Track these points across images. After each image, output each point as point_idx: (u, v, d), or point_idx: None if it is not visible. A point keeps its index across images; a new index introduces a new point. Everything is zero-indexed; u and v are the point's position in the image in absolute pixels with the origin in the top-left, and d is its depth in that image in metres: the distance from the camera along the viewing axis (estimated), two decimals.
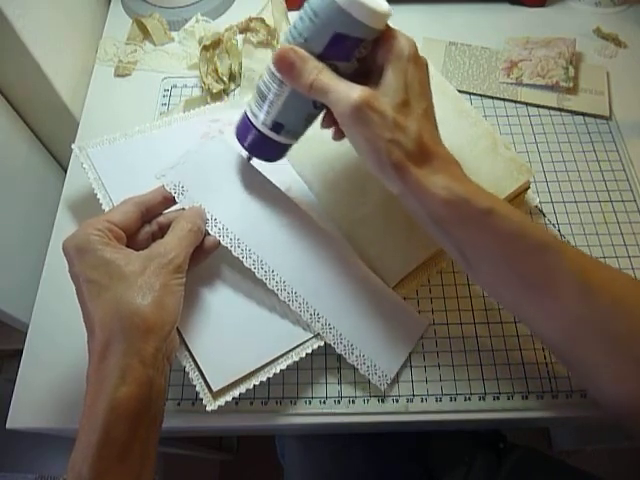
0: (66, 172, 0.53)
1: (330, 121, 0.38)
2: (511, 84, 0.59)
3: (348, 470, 0.58)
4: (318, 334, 0.40)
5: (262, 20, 0.60)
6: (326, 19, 0.31)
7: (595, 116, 0.57)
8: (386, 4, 0.33)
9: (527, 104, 0.58)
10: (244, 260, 0.39)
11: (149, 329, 0.31)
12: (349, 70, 0.34)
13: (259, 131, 0.37)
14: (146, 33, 0.63)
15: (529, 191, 0.49)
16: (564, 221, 0.50)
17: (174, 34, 0.64)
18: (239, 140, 0.39)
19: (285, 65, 0.33)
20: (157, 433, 0.32)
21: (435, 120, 0.35)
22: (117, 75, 0.60)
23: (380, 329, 0.41)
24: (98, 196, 0.43)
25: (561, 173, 0.53)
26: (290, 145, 0.39)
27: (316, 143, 0.47)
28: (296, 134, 0.38)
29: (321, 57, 0.33)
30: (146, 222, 0.38)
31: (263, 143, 0.38)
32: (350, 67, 0.34)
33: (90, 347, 0.31)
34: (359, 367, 0.40)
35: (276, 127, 0.37)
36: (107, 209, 0.43)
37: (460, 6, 0.67)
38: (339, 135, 0.38)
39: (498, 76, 0.60)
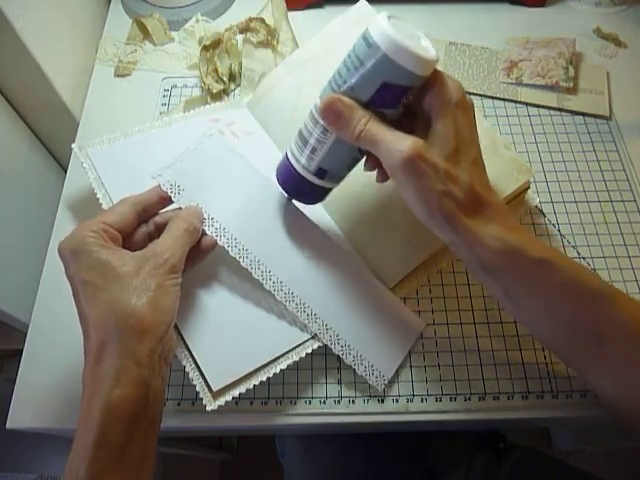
0: (66, 172, 0.53)
1: (373, 165, 0.37)
2: (511, 84, 0.59)
3: (348, 470, 0.57)
4: (317, 334, 0.40)
5: (262, 20, 0.60)
6: (375, 69, 0.31)
7: (595, 116, 0.57)
8: (433, 50, 0.32)
9: (527, 104, 0.58)
10: (241, 260, 0.39)
11: (144, 330, 0.31)
12: (395, 116, 0.34)
13: (301, 176, 0.37)
14: (146, 33, 0.63)
15: (529, 191, 0.49)
16: (564, 221, 0.50)
17: (174, 34, 0.64)
18: (280, 183, 0.39)
19: (332, 115, 0.32)
20: (156, 434, 0.32)
21: (484, 165, 0.35)
22: (117, 75, 0.60)
23: (377, 330, 0.41)
24: (98, 196, 0.43)
25: (561, 173, 0.53)
26: (332, 189, 0.39)
27: None
28: (339, 178, 0.38)
29: (368, 105, 0.32)
30: (143, 222, 0.38)
31: (305, 187, 0.38)
32: (396, 113, 0.34)
33: (85, 348, 0.31)
34: (356, 367, 0.40)
35: (320, 173, 0.37)
36: (106, 207, 0.43)
37: (460, 6, 0.67)
38: (383, 178, 0.38)
39: (498, 76, 0.60)
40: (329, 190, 0.39)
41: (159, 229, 0.38)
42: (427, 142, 0.32)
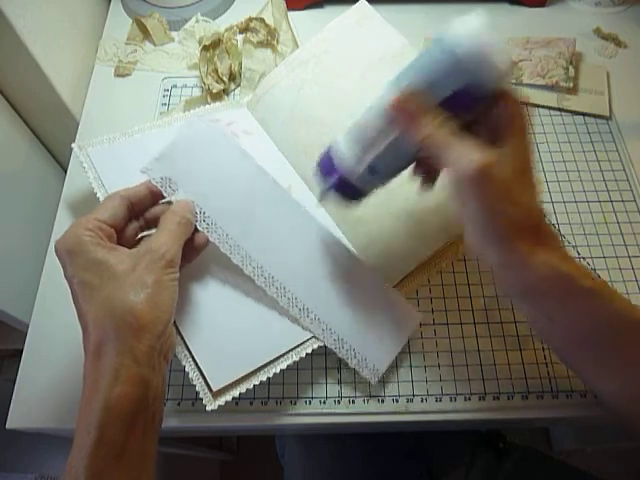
0: (66, 172, 0.53)
1: (423, 171, 0.36)
2: (511, 84, 0.59)
3: (348, 470, 0.57)
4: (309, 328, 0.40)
5: (262, 20, 0.60)
6: (459, 71, 0.30)
7: (595, 116, 0.57)
8: (508, 60, 0.31)
9: (527, 104, 0.58)
10: (232, 257, 0.38)
11: (142, 327, 0.31)
12: (466, 119, 0.32)
13: (349, 172, 0.35)
14: (146, 33, 0.63)
15: None
16: (564, 221, 0.50)
17: (174, 34, 0.64)
18: (323, 176, 0.37)
19: (404, 112, 0.31)
20: (156, 432, 0.32)
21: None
22: (117, 75, 0.60)
23: (371, 323, 0.41)
24: (98, 195, 0.43)
25: (561, 173, 0.53)
26: (374, 190, 0.37)
27: (318, 145, 0.47)
28: (385, 181, 0.36)
29: (441, 105, 0.31)
30: (134, 217, 0.37)
31: (349, 184, 0.36)
32: (468, 117, 0.32)
33: (85, 347, 0.31)
34: (349, 361, 0.40)
35: (369, 171, 0.34)
36: (99, 205, 0.42)
37: (460, 6, 0.67)
38: (426, 187, 0.37)
39: None
40: (371, 191, 0.37)
41: (149, 224, 0.38)
42: (497, 157, 0.30)
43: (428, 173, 0.36)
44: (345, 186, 0.36)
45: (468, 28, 0.29)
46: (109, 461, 0.28)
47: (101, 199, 0.43)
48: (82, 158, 0.45)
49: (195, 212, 0.38)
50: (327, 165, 0.36)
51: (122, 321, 0.30)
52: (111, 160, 0.45)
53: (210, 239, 0.38)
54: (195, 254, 0.38)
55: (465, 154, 0.30)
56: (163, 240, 0.34)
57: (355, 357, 0.40)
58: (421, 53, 0.31)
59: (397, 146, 0.33)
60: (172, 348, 0.35)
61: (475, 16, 0.29)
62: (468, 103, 0.31)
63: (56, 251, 0.33)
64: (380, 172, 0.35)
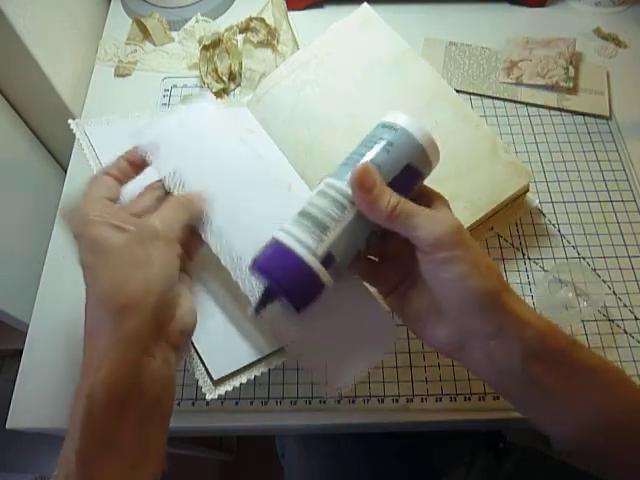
0: (66, 172, 0.53)
1: (380, 252, 0.36)
2: (511, 84, 0.59)
3: (348, 470, 0.57)
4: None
5: (262, 20, 0.60)
6: (402, 149, 0.32)
7: (595, 116, 0.57)
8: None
9: (527, 104, 0.58)
10: (209, 240, 0.36)
11: (128, 305, 0.28)
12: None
13: (305, 263, 0.30)
14: (146, 33, 0.63)
15: (529, 192, 0.49)
16: (564, 221, 0.50)
17: (174, 34, 0.64)
18: (265, 276, 0.31)
19: (367, 185, 0.30)
20: (161, 423, 0.30)
21: None
22: (117, 75, 0.60)
23: (343, 338, 0.37)
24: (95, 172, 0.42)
25: (561, 173, 0.53)
26: (322, 291, 0.32)
27: (319, 145, 0.47)
28: (340, 273, 0.32)
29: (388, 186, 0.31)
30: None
31: (305, 280, 0.31)
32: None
33: (83, 338, 0.30)
34: (311, 375, 0.37)
35: (327, 260, 0.31)
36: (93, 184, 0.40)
37: (460, 6, 0.67)
38: (388, 292, 0.36)
39: (498, 76, 0.60)
40: (321, 291, 0.32)
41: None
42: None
43: (373, 269, 0.36)
44: (304, 279, 0.31)
45: (400, 115, 0.32)
46: (98, 446, 0.27)
47: None
48: (79, 135, 0.44)
49: (204, 200, 0.35)
50: (277, 257, 0.31)
51: (108, 298, 0.29)
52: (109, 140, 0.44)
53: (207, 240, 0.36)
54: (200, 244, 0.36)
55: (438, 217, 0.30)
56: (159, 215, 0.33)
57: (322, 367, 0.37)
58: (367, 135, 0.33)
59: (354, 226, 0.31)
60: (184, 332, 0.32)
61: (396, 112, 0.33)
62: (410, 182, 0.33)
63: (73, 236, 0.32)
64: (338, 258, 0.31)
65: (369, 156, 0.32)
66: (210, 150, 0.39)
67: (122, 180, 0.36)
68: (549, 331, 0.30)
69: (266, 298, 0.32)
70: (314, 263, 0.30)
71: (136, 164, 0.36)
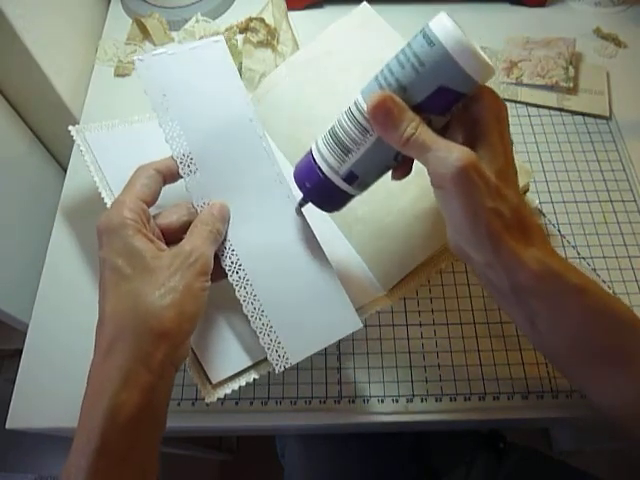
0: (66, 172, 0.53)
1: (403, 173, 0.35)
2: (511, 84, 0.59)
3: (348, 470, 0.57)
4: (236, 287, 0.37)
5: (262, 20, 0.60)
6: (434, 70, 0.29)
7: (595, 116, 0.57)
8: (489, 60, 0.30)
9: (527, 104, 0.58)
10: (194, 199, 0.36)
11: (162, 334, 0.29)
12: (440, 124, 0.32)
13: (328, 179, 0.34)
14: (146, 33, 0.63)
15: (528, 192, 0.49)
16: (564, 221, 0.50)
17: (174, 34, 0.64)
18: (299, 183, 0.36)
19: (381, 114, 0.30)
20: (158, 442, 0.31)
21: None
22: (117, 75, 0.60)
23: (302, 310, 0.37)
24: (95, 179, 0.42)
25: (561, 173, 0.53)
26: (354, 196, 0.36)
27: None
28: (366, 186, 0.35)
29: (416, 108, 0.30)
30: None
31: (330, 192, 0.35)
32: (442, 121, 0.32)
33: (96, 340, 0.30)
34: (260, 337, 0.36)
35: (349, 178, 0.33)
36: (104, 193, 0.41)
37: (460, 6, 0.67)
38: (402, 176, 0.36)
39: (498, 76, 0.60)
40: (352, 198, 0.36)
41: (166, 231, 0.35)
42: (479, 154, 0.30)
43: (406, 173, 0.36)
44: (327, 192, 0.35)
45: (445, 24, 0.28)
46: (110, 472, 0.27)
47: (98, 183, 0.41)
48: (79, 141, 0.44)
49: (227, 219, 0.36)
50: (308, 172, 0.35)
51: (143, 322, 0.29)
52: (109, 145, 0.44)
53: (187, 187, 0.36)
54: (220, 275, 0.36)
55: (446, 153, 0.29)
56: (197, 244, 0.32)
57: (268, 335, 0.36)
58: (399, 51, 0.31)
59: (377, 149, 0.32)
60: (184, 358, 0.32)
61: (445, 16, 0.29)
62: (446, 104, 0.31)
63: (97, 228, 0.32)
64: (361, 176, 0.34)
65: (396, 74, 0.30)
66: (208, 100, 0.39)
67: (167, 179, 0.36)
68: (545, 274, 0.30)
69: (303, 200, 0.37)
70: (337, 180, 0.34)
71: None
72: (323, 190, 0.35)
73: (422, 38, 0.29)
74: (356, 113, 0.32)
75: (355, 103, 0.32)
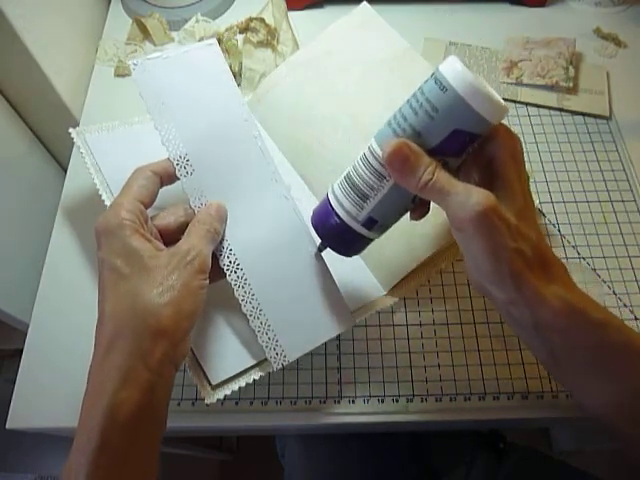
0: (66, 172, 0.53)
1: (421, 213, 0.36)
2: (511, 84, 0.59)
3: (348, 470, 0.57)
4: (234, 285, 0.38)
5: (262, 20, 0.60)
6: (448, 115, 0.29)
7: (595, 116, 0.57)
8: (501, 99, 0.30)
9: (527, 104, 0.58)
10: (190, 199, 0.37)
11: (161, 332, 0.29)
12: (456, 164, 0.32)
13: (348, 226, 0.34)
14: (146, 33, 0.63)
15: None
16: (564, 221, 0.50)
17: (174, 34, 0.64)
18: (318, 230, 0.36)
19: (398, 162, 0.30)
20: (159, 441, 0.31)
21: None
22: (117, 75, 0.60)
23: (298, 308, 0.38)
24: (95, 181, 0.42)
25: (561, 173, 0.53)
26: (373, 240, 0.36)
27: (319, 145, 0.47)
28: (386, 228, 0.35)
29: (432, 152, 0.30)
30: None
31: (350, 238, 0.35)
32: (458, 162, 0.32)
33: (96, 339, 0.30)
34: (258, 335, 0.37)
35: (369, 223, 0.33)
36: (104, 195, 0.41)
37: (460, 6, 0.67)
38: (420, 216, 0.36)
39: (498, 76, 0.60)
40: (371, 241, 0.36)
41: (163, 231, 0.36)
42: (498, 196, 0.30)
43: (424, 214, 0.36)
44: (347, 238, 0.35)
45: (456, 68, 0.28)
46: (111, 470, 0.27)
47: (98, 185, 0.42)
48: (80, 143, 0.44)
49: (224, 219, 0.36)
50: (326, 219, 0.35)
51: (142, 320, 0.29)
52: (109, 147, 0.45)
53: (184, 188, 0.37)
54: (219, 275, 0.36)
55: (467, 197, 0.29)
56: (194, 242, 0.33)
57: (266, 334, 0.37)
58: (411, 96, 0.31)
59: (395, 194, 0.32)
60: (184, 356, 0.33)
61: (455, 59, 0.29)
62: (461, 146, 0.31)
63: (95, 229, 0.32)
64: (381, 220, 0.34)
65: (410, 120, 0.30)
66: (201, 104, 0.39)
67: (164, 180, 0.36)
68: (567, 310, 0.30)
69: (322, 245, 0.38)
70: (356, 227, 0.34)
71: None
72: (343, 237, 0.35)
73: (434, 83, 0.29)
74: (371, 159, 0.32)
75: (370, 149, 0.32)
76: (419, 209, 0.35)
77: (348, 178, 0.33)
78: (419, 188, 0.30)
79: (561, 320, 0.30)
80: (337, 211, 0.34)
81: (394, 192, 0.32)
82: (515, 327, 0.33)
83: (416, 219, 0.36)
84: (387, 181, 0.32)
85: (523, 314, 0.31)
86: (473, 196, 0.29)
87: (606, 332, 0.31)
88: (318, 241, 0.38)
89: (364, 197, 0.32)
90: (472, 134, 0.30)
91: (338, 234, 0.35)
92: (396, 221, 0.35)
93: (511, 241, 0.29)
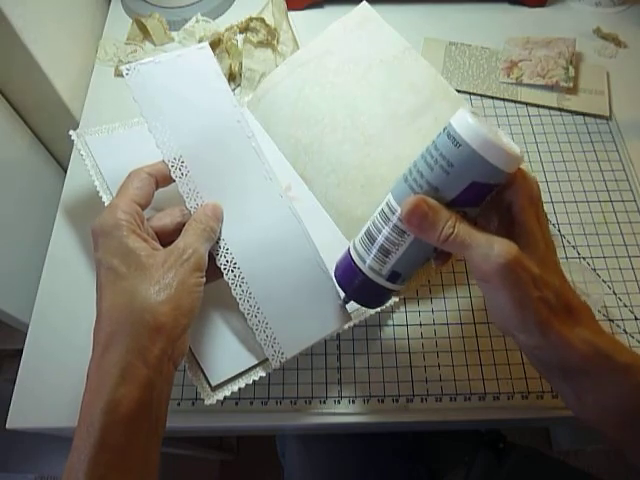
0: (66, 172, 0.53)
1: (445, 260, 0.35)
2: (511, 84, 0.59)
3: (348, 470, 0.58)
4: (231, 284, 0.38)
5: (262, 20, 0.60)
6: (464, 169, 0.29)
7: (595, 116, 0.57)
8: (516, 146, 0.30)
9: (527, 104, 0.58)
10: (187, 201, 0.37)
11: (158, 329, 0.30)
12: (475, 213, 0.32)
13: (372, 281, 0.34)
14: (146, 33, 0.63)
15: None
16: (564, 221, 0.50)
17: (174, 34, 0.64)
18: (342, 285, 0.36)
19: (417, 218, 0.30)
20: (159, 439, 0.31)
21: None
22: (117, 75, 0.60)
23: (296, 306, 0.39)
24: (95, 183, 0.42)
25: (561, 173, 0.53)
26: (398, 291, 0.36)
27: (319, 145, 0.47)
28: (409, 279, 0.35)
29: (450, 204, 0.30)
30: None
31: (375, 292, 0.35)
32: (476, 211, 0.32)
33: (94, 337, 0.30)
34: (256, 333, 0.37)
35: (392, 277, 0.33)
36: (105, 197, 0.41)
37: (460, 6, 0.67)
38: (443, 263, 0.36)
39: (498, 76, 0.60)
40: (396, 292, 0.36)
41: (162, 232, 0.36)
42: (519, 245, 0.30)
43: (446, 258, 0.35)
44: (371, 292, 0.35)
45: (468, 122, 0.28)
46: (110, 467, 0.27)
47: (99, 187, 0.42)
48: (80, 146, 0.44)
49: (220, 219, 0.37)
50: (350, 274, 0.35)
51: (140, 318, 0.29)
52: (109, 149, 0.45)
53: (180, 190, 0.37)
54: (216, 274, 0.36)
55: (488, 249, 0.29)
56: (190, 241, 0.33)
57: (264, 332, 0.37)
58: (427, 149, 0.31)
59: (416, 247, 0.32)
60: (183, 354, 0.33)
61: (465, 112, 0.29)
62: (479, 196, 0.31)
63: (91, 230, 0.33)
64: (404, 273, 0.34)
65: (426, 177, 0.30)
66: (194, 107, 0.39)
67: (160, 182, 0.36)
68: (594, 354, 0.30)
69: (346, 298, 0.37)
70: (380, 281, 0.34)
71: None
72: (368, 291, 0.35)
73: (447, 138, 0.29)
74: (390, 215, 0.32)
75: (388, 205, 0.32)
76: (442, 256, 0.35)
77: (368, 234, 0.33)
78: (440, 242, 0.30)
79: (587, 364, 0.30)
80: (361, 267, 0.34)
81: (416, 245, 0.32)
82: (540, 368, 0.33)
83: (440, 266, 0.36)
84: (408, 236, 0.32)
85: (549, 358, 0.31)
86: (495, 247, 0.29)
87: (633, 375, 0.30)
88: (342, 294, 0.38)
89: (386, 253, 0.33)
90: (490, 184, 0.30)
91: (363, 290, 0.35)
92: (418, 269, 0.35)
93: (535, 290, 0.29)
